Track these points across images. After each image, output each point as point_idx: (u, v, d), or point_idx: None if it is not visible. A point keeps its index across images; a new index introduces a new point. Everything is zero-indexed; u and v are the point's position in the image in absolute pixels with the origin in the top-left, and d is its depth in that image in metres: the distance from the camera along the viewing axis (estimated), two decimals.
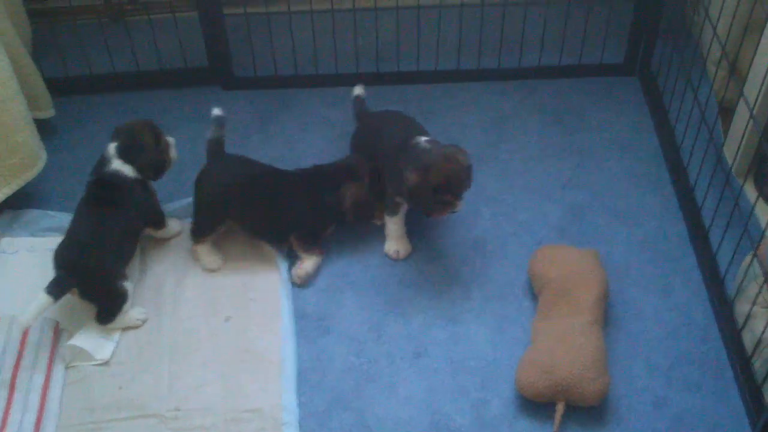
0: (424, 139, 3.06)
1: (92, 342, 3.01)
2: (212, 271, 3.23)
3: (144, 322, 3.08)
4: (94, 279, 2.98)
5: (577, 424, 2.83)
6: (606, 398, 2.83)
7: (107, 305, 3.01)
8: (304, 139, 3.71)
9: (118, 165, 3.06)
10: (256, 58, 3.82)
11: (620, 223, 3.36)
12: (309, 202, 3.21)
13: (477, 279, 3.18)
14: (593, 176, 3.52)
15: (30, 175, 3.33)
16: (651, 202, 3.43)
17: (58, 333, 3.05)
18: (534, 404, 2.85)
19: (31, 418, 2.83)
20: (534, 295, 3.11)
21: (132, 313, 3.06)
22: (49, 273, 2.94)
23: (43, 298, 2.86)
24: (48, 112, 3.65)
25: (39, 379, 2.92)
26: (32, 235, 3.34)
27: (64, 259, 2.96)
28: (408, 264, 3.26)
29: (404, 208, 3.18)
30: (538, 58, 3.83)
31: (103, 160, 3.09)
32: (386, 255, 3.27)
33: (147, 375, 2.96)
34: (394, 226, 3.24)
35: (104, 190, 3.06)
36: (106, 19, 4.05)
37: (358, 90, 3.52)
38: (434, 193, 2.95)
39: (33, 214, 3.43)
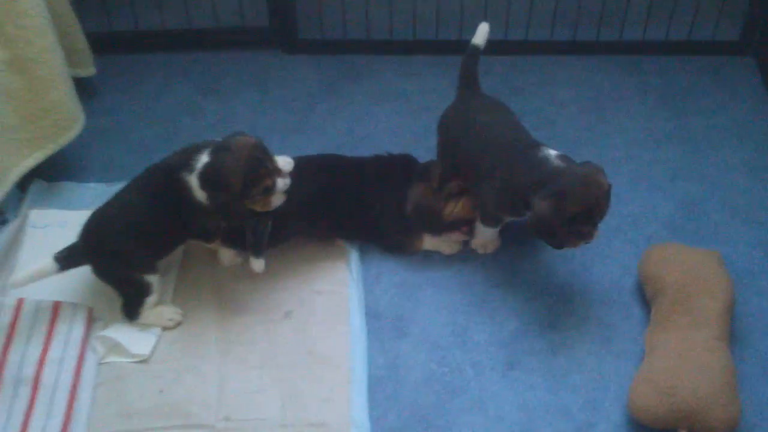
0: (553, 153, 2.49)
1: (129, 335, 2.57)
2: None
3: (178, 324, 2.61)
4: (109, 261, 2.54)
5: None
6: (735, 429, 2.34)
7: (125, 295, 2.57)
8: (376, 113, 3.23)
9: (194, 182, 2.47)
10: (324, 19, 3.35)
11: (741, 221, 2.86)
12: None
13: (577, 280, 2.71)
14: (708, 167, 3.03)
15: (66, 138, 2.88)
16: None
17: (91, 322, 2.60)
18: (648, 428, 2.38)
19: (56, 423, 2.37)
20: (645, 302, 2.64)
21: (164, 310, 2.61)
22: None
23: (48, 263, 2.48)
24: (88, 70, 3.19)
25: (67, 377, 2.46)
26: (65, 208, 2.87)
27: (87, 227, 2.54)
28: (496, 260, 2.79)
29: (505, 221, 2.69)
30: (643, 31, 3.35)
31: (188, 159, 2.48)
32: (472, 248, 2.78)
33: (192, 377, 2.51)
34: (488, 233, 2.74)
35: (166, 184, 2.52)
36: None
37: (480, 35, 2.76)
38: (569, 224, 2.41)
39: (68, 186, 2.99)
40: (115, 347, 2.53)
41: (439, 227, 2.73)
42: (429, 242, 2.78)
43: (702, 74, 3.33)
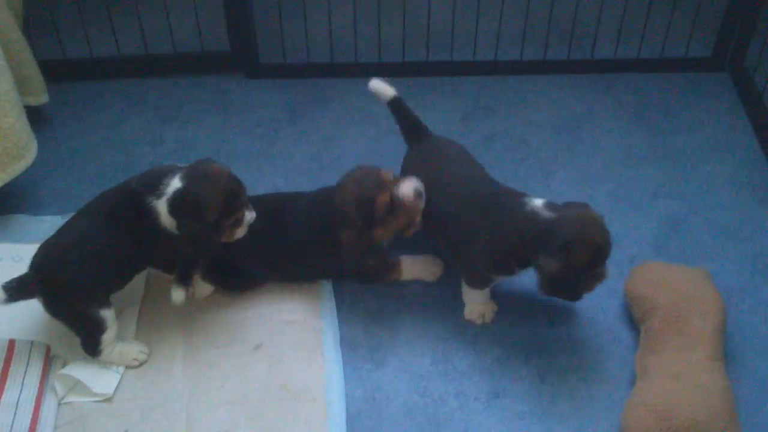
0: (539, 202, 2.31)
1: (91, 372, 2.41)
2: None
3: (142, 363, 2.44)
4: (60, 294, 2.34)
5: None
6: None
7: (79, 332, 2.39)
8: (343, 136, 3.10)
9: (162, 208, 2.32)
10: (286, 44, 3.20)
11: (726, 238, 2.75)
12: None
13: (560, 303, 2.54)
14: (689, 184, 2.92)
15: (17, 168, 2.71)
16: (760, 214, 2.83)
17: (48, 360, 2.41)
18: None
19: None
20: (633, 324, 2.51)
21: (129, 349, 2.43)
22: None
23: None
24: (41, 98, 3.03)
25: (24, 421, 2.27)
26: (19, 241, 2.70)
27: (37, 257, 2.35)
28: None
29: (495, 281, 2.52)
30: (614, 49, 3.24)
31: (154, 184, 2.33)
32: (466, 319, 2.57)
33: (159, 415, 2.34)
34: (477, 295, 2.53)
35: (125, 209, 2.36)
36: None
37: (383, 90, 2.66)
38: (584, 272, 2.28)
39: (21, 219, 2.82)
40: (76, 386, 2.36)
41: (383, 255, 2.57)
42: (408, 272, 2.63)
43: (676, 91, 3.24)
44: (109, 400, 2.35)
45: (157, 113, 3.11)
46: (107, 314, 2.37)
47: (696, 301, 2.39)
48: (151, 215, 2.32)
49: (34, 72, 2.94)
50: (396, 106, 2.61)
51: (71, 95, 3.18)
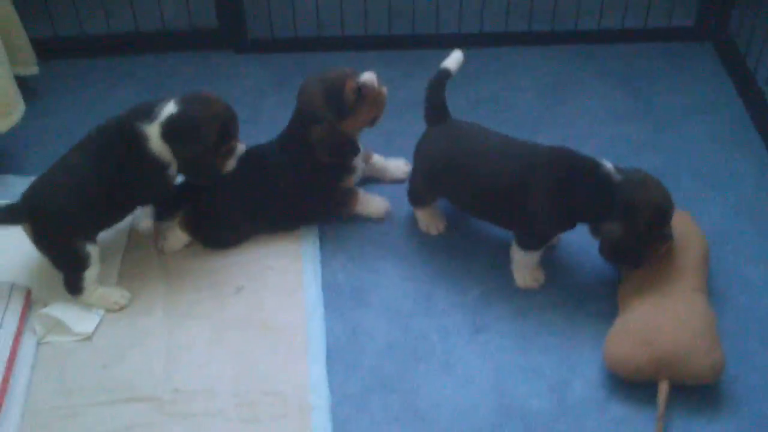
0: (608, 164, 2.28)
1: (71, 313, 2.38)
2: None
3: (122, 308, 2.40)
4: (47, 224, 2.33)
5: (684, 409, 2.18)
6: (719, 376, 2.18)
7: (63, 267, 2.37)
8: None
9: (154, 136, 2.32)
10: (274, 18, 3.22)
11: (709, 187, 2.73)
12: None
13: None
14: (671, 140, 2.90)
15: (5, 125, 2.71)
16: (743, 165, 2.81)
17: (29, 302, 2.40)
18: (628, 385, 2.21)
19: None
20: None
21: (110, 293, 2.41)
22: (21, 238, 2.36)
23: None
24: (31, 69, 3.03)
25: (2, 353, 2.25)
26: (3, 199, 2.65)
27: (30, 188, 2.36)
28: (460, 231, 2.62)
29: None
30: (598, 21, 3.23)
31: (146, 110, 2.35)
32: (521, 287, 2.48)
33: (138, 352, 2.31)
34: (531, 259, 2.44)
35: (116, 141, 2.35)
36: None
37: (452, 60, 2.51)
38: (647, 236, 2.26)
39: (7, 179, 2.78)
40: (56, 326, 2.33)
41: (353, 147, 2.49)
42: (363, 204, 2.60)
43: (660, 59, 3.22)
44: (88, 338, 2.32)
45: (145, 86, 3.11)
46: (92, 250, 2.35)
47: (678, 237, 2.36)
48: (139, 141, 2.31)
49: (23, 42, 2.95)
50: (442, 79, 2.49)
51: (61, 71, 3.17)
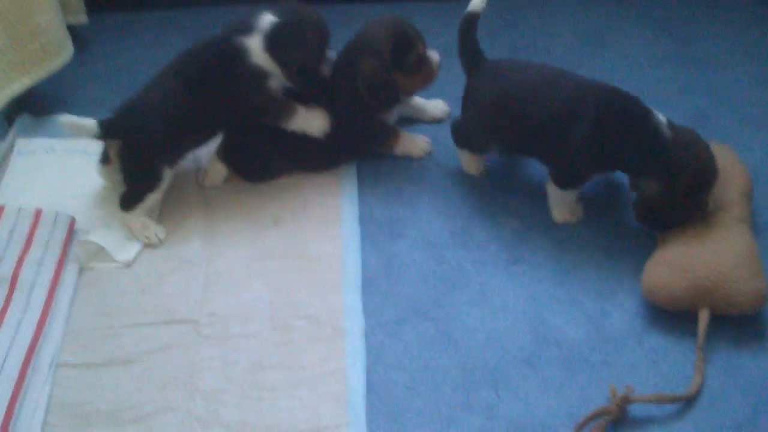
0: (661, 116, 2.18)
1: (113, 241, 2.34)
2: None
3: (154, 244, 2.35)
4: (137, 142, 2.31)
5: (727, 340, 2.09)
6: (762, 306, 2.07)
7: (133, 184, 2.34)
8: None
9: (256, 48, 2.29)
10: None
11: (755, 127, 2.63)
12: None
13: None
14: (715, 82, 2.80)
15: (53, 65, 2.68)
16: None
17: (72, 231, 2.36)
18: (667, 315, 2.12)
19: (32, 318, 2.14)
20: None
21: (149, 223, 2.36)
22: (68, 172, 2.45)
23: (91, 122, 2.28)
24: (79, 17, 2.98)
25: (46, 276, 2.23)
26: (52, 137, 2.64)
27: (122, 106, 2.35)
28: (496, 168, 2.52)
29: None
30: None
31: (241, 27, 2.32)
32: (559, 222, 2.39)
33: (176, 277, 2.28)
34: (568, 195, 2.35)
35: (212, 60, 2.32)
36: None
37: (475, 5, 2.39)
38: (683, 199, 2.16)
39: (56, 120, 2.71)
40: (98, 253, 2.30)
41: (395, 95, 2.45)
42: (402, 144, 2.54)
43: (703, 5, 3.11)
44: (128, 265, 2.29)
45: (192, 36, 3.05)
46: (167, 175, 2.34)
47: (720, 169, 2.26)
48: (239, 55, 2.28)
49: None
50: (471, 22, 2.38)
51: (110, 23, 3.13)
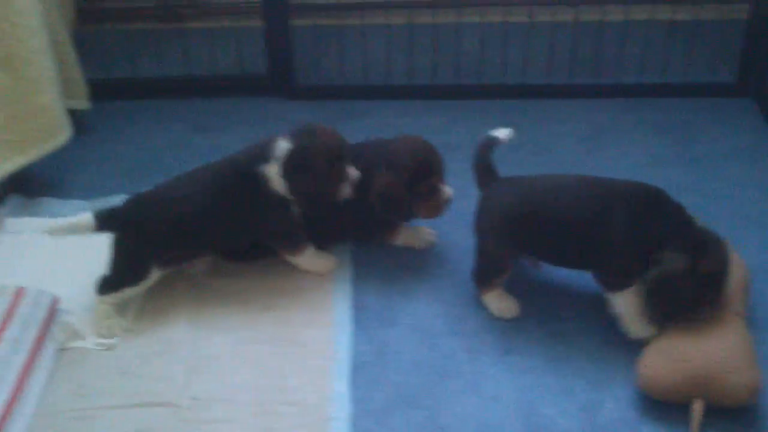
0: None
1: (94, 324, 2.25)
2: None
3: (110, 338, 2.21)
4: (130, 236, 2.23)
5: (720, 431, 1.96)
6: (757, 397, 1.97)
7: (115, 275, 2.25)
8: None
9: (272, 171, 2.25)
10: (322, 70, 3.13)
11: (754, 226, 2.56)
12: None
13: (577, 274, 2.31)
14: (713, 183, 2.74)
15: (50, 146, 2.65)
16: None
17: (54, 310, 2.27)
18: (661, 404, 2.01)
19: (2, 397, 2.02)
20: None
21: (114, 316, 2.25)
22: (57, 251, 2.38)
23: (86, 216, 2.20)
24: (82, 103, 2.97)
25: (22, 355, 2.12)
26: (41, 216, 2.59)
27: (131, 200, 2.28)
28: None
29: None
30: (639, 76, 3.11)
31: (258, 152, 2.28)
32: (634, 339, 2.17)
33: (160, 360, 2.18)
34: (631, 302, 2.15)
35: (234, 183, 2.27)
36: (159, 23, 3.35)
37: (503, 131, 2.33)
38: (700, 287, 2.05)
39: (47, 201, 2.72)
40: (78, 333, 2.20)
41: (405, 217, 2.41)
42: (403, 236, 2.48)
43: (701, 112, 3.07)
44: (111, 347, 2.19)
45: (193, 127, 3.04)
46: (154, 275, 2.25)
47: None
48: (260, 182, 2.24)
49: (77, 76, 2.90)
50: (490, 145, 2.31)
51: (113, 110, 3.11)
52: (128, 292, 2.25)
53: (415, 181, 2.32)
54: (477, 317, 2.27)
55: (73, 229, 2.20)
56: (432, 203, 2.37)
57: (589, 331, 2.22)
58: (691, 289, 2.05)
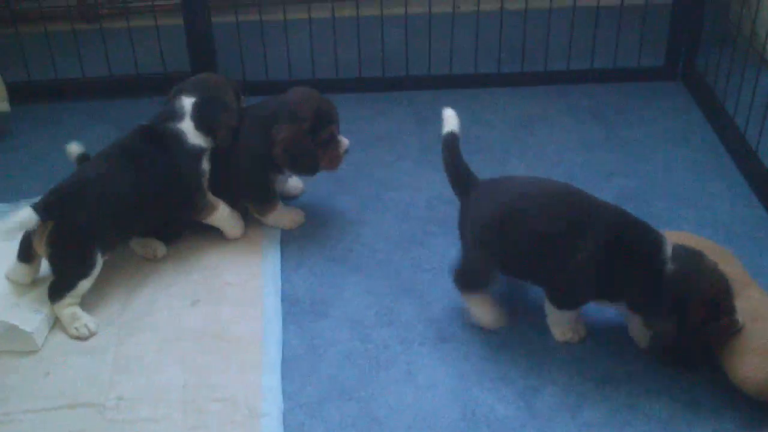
0: (668, 251, 1.96)
1: (21, 318, 2.15)
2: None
3: (88, 336, 2.15)
4: (73, 227, 2.16)
5: None
6: None
7: (66, 269, 2.17)
8: None
9: (187, 127, 2.31)
10: (246, 66, 3.06)
11: (685, 206, 2.55)
12: None
13: None
14: (643, 165, 2.73)
15: None
16: (716, 187, 2.63)
17: None
18: (599, 389, 2.00)
19: None
20: None
21: (81, 314, 2.17)
22: None
23: (26, 211, 2.11)
24: (2, 105, 2.89)
25: None
26: None
27: (56, 189, 2.21)
28: (424, 248, 2.42)
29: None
30: (566, 63, 3.08)
31: (170, 114, 2.33)
32: (560, 341, 2.13)
33: (84, 361, 2.09)
34: (567, 316, 2.12)
35: (148, 144, 2.30)
36: (79, 23, 3.31)
37: (450, 122, 2.26)
38: (705, 329, 1.94)
39: None
40: (3, 336, 2.10)
41: (313, 169, 2.39)
42: (276, 217, 2.46)
43: (631, 96, 3.07)
44: (36, 348, 2.11)
45: (117, 127, 2.95)
46: (100, 262, 2.19)
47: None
48: (178, 139, 2.29)
49: None
50: (452, 143, 2.23)
51: (34, 113, 3.03)
52: (83, 286, 2.18)
53: (316, 130, 2.33)
54: (410, 308, 2.23)
55: (22, 227, 2.12)
56: (333, 152, 2.38)
57: (525, 314, 2.19)
58: (697, 340, 1.96)
